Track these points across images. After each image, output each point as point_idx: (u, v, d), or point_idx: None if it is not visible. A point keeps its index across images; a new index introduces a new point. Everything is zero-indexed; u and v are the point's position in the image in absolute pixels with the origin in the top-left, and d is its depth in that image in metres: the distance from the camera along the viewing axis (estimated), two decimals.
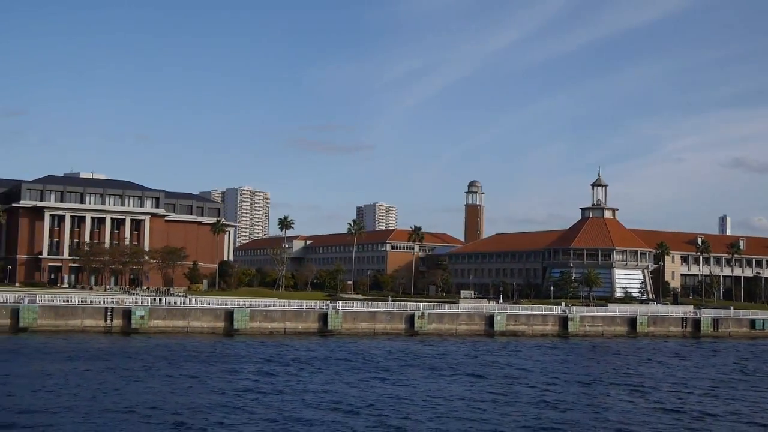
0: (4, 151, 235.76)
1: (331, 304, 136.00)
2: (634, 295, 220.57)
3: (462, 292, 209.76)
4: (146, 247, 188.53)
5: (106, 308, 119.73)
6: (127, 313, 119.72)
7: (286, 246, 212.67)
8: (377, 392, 68.02)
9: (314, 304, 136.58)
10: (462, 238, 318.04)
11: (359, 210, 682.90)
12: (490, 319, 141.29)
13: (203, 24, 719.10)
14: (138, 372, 76.23)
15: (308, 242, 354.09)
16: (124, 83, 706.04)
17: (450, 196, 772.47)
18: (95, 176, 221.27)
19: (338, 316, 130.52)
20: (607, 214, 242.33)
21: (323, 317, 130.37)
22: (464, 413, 58.42)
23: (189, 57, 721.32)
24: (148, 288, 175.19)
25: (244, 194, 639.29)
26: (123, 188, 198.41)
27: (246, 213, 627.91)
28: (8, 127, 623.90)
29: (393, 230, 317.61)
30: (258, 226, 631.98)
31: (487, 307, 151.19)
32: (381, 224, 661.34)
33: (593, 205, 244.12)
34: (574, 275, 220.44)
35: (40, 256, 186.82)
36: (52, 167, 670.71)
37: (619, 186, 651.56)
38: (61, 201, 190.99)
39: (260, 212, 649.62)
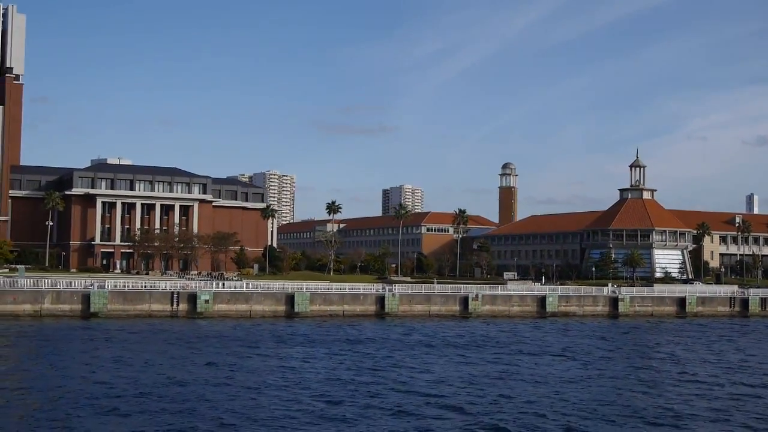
0: (30, 138, 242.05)
1: (387, 287, 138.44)
2: (674, 275, 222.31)
3: (505, 273, 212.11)
4: (195, 233, 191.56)
5: (172, 293, 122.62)
6: (192, 298, 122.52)
7: (334, 230, 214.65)
8: (519, 372, 70.99)
9: (371, 287, 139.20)
10: (493, 219, 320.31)
11: (385, 192, 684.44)
12: (542, 301, 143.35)
13: (225, 7, 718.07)
14: (263, 353, 79.26)
15: (342, 225, 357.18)
16: (146, 68, 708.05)
17: (476, 178, 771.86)
18: (123, 161, 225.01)
19: (395, 299, 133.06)
20: (646, 195, 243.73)
21: (380, 300, 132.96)
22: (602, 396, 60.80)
23: (210, 40, 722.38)
24: (199, 273, 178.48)
25: (272, 178, 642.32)
26: (171, 175, 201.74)
27: (274, 197, 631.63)
28: (32, 114, 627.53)
29: (428, 213, 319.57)
30: (286, 210, 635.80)
31: (539, 288, 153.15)
32: (408, 206, 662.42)
33: (631, 186, 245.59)
34: (613, 256, 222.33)
35: (92, 243, 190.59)
36: (78, 153, 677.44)
37: (647, 163, 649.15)
38: (112, 188, 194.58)
39: (287, 196, 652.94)
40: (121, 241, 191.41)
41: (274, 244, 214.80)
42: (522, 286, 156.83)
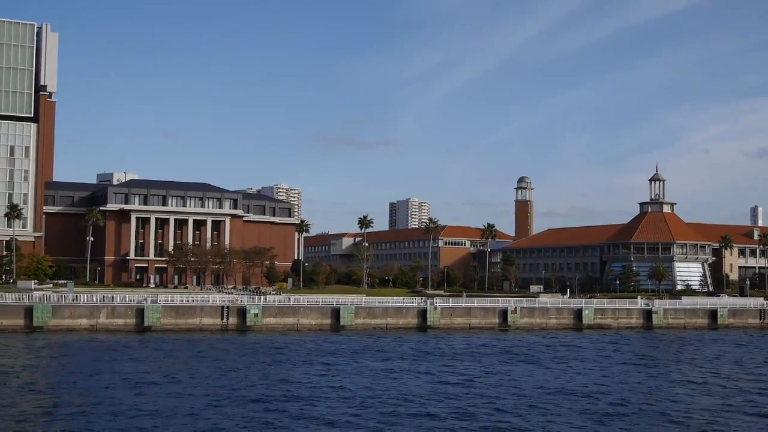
0: None
1: (429, 301, 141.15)
2: (695, 288, 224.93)
3: (531, 287, 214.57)
4: (227, 248, 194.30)
5: (222, 307, 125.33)
6: (241, 312, 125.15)
7: (365, 244, 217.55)
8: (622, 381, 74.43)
9: (413, 301, 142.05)
10: (506, 232, 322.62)
11: (392, 206, 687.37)
12: (578, 313, 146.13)
13: (225, 21, 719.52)
14: (339, 365, 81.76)
15: (357, 239, 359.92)
16: (148, 81, 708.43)
17: (478, 191, 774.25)
18: (130, 176, 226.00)
19: (436, 312, 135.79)
20: (666, 209, 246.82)
21: (422, 313, 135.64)
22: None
23: (212, 55, 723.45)
24: (234, 287, 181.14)
25: (280, 192, 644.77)
26: (203, 190, 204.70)
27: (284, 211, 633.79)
28: None
29: (445, 227, 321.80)
30: None
31: (575, 301, 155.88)
32: (414, 220, 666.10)
33: (651, 199, 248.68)
34: (635, 269, 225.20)
35: (127, 258, 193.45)
36: (84, 168, 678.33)
37: (645, 177, 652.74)
38: (145, 204, 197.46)
39: (295, 209, 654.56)
40: (154, 256, 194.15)
41: (301, 258, 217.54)
42: (557, 299, 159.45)
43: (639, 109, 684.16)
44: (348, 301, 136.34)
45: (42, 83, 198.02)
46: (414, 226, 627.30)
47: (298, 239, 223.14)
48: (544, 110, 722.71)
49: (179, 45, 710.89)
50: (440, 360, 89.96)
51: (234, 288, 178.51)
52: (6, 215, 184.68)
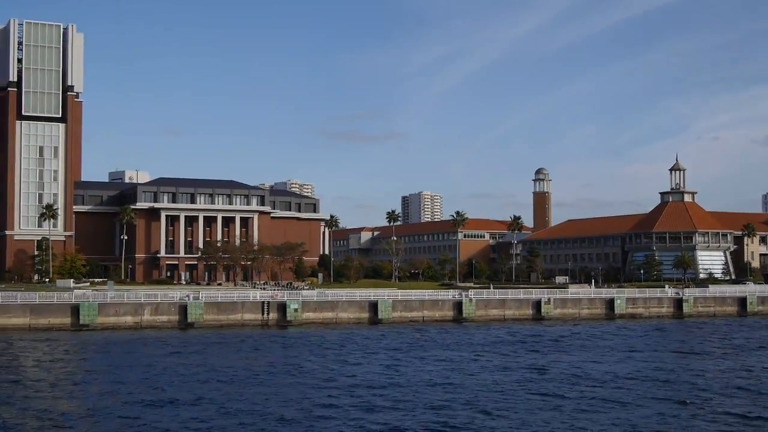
0: None
1: (464, 293, 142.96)
2: (717, 276, 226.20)
3: (557, 278, 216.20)
4: (256, 244, 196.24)
5: (263, 303, 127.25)
6: (281, 307, 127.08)
7: (394, 238, 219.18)
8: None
9: (448, 294, 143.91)
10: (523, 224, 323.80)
11: (404, 199, 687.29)
12: (610, 303, 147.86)
13: (225, 15, 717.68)
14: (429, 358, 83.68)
15: (375, 233, 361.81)
16: (151, 78, 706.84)
17: (483, 182, 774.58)
18: (141, 174, 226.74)
19: (472, 304, 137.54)
20: (687, 198, 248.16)
21: (458, 305, 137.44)
22: None
23: (213, 50, 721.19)
24: (266, 283, 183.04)
25: (293, 187, 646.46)
26: (230, 188, 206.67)
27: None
28: None
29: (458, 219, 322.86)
30: None
31: (606, 291, 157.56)
32: (426, 213, 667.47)
33: (672, 189, 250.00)
34: (657, 258, 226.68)
35: (158, 255, 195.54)
36: (95, 167, 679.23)
37: (655, 166, 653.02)
38: (173, 202, 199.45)
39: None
40: (185, 253, 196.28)
41: (328, 253, 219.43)
42: (589, 290, 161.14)
43: (645, 99, 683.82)
44: (385, 294, 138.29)
45: (69, 83, 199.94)
46: (427, 219, 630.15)
47: (323, 234, 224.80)
48: (548, 101, 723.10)
49: (177, 41, 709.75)
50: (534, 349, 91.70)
51: (266, 284, 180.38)
52: (41, 215, 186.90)
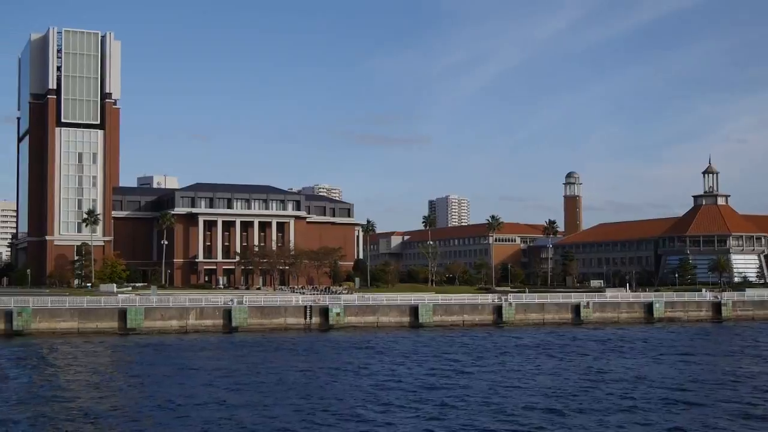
0: None
1: (503, 297, 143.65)
2: (752, 279, 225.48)
3: (592, 281, 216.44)
4: (292, 248, 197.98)
5: (305, 307, 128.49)
6: (324, 311, 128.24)
7: (431, 243, 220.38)
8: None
9: (487, 298, 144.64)
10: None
11: (431, 203, 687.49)
12: (648, 307, 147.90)
13: (251, 18, 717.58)
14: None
15: (406, 238, 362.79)
16: (176, 83, 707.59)
17: (510, 185, 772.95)
18: (170, 179, 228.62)
19: (511, 308, 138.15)
20: (720, 201, 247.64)
21: (497, 309, 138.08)
22: None
23: (237, 53, 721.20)
24: (303, 287, 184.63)
25: (320, 191, 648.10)
26: (267, 192, 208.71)
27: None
28: None
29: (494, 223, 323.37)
30: None
31: (644, 295, 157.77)
32: (454, 217, 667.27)
33: (705, 192, 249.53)
34: (691, 261, 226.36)
35: (195, 260, 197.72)
36: (120, 171, 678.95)
37: (681, 169, 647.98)
38: (210, 207, 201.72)
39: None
40: (222, 258, 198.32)
41: (362, 257, 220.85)
42: (628, 294, 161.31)
43: (671, 101, 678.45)
44: (425, 299, 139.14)
45: (107, 90, 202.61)
46: (454, 223, 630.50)
47: (358, 238, 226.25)
48: (573, 103, 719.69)
49: (203, 45, 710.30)
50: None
51: (303, 288, 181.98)
52: (84, 221, 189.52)
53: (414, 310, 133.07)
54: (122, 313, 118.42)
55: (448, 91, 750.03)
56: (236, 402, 59.07)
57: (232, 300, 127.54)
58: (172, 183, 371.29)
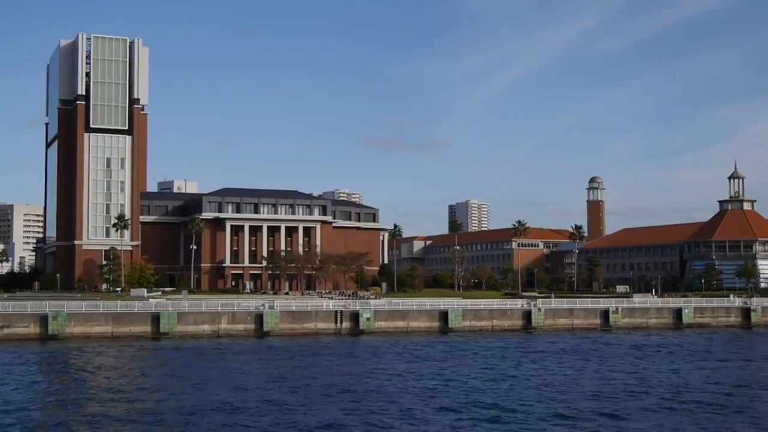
0: None
1: (532, 303, 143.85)
2: None
3: (618, 287, 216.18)
4: (318, 253, 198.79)
5: (336, 312, 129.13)
6: (354, 316, 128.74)
7: (457, 248, 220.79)
8: None
9: (516, 303, 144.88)
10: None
11: (451, 208, 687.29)
12: (677, 313, 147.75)
13: (268, 24, 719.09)
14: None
15: (428, 243, 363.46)
16: (196, 88, 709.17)
17: (529, 190, 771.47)
18: (190, 184, 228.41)
19: (540, 314, 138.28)
20: (746, 206, 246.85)
21: (526, 315, 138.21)
22: None
23: (258, 59, 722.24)
24: (330, 292, 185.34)
25: (341, 197, 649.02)
26: (293, 198, 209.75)
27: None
28: None
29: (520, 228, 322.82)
30: None
31: (673, 301, 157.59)
32: (474, 222, 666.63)
33: (731, 197, 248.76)
34: (717, 267, 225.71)
35: (223, 265, 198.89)
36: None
37: (702, 173, 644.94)
38: (237, 212, 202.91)
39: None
40: (249, 263, 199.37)
41: (387, 262, 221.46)
42: (657, 300, 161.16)
43: (690, 105, 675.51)
44: (455, 304, 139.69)
45: (135, 96, 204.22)
46: (474, 228, 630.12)
47: (382, 243, 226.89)
48: (592, 108, 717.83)
49: (222, 51, 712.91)
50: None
51: (330, 293, 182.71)
52: (114, 225, 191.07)
53: (444, 315, 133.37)
54: (155, 318, 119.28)
55: (467, 96, 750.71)
56: (293, 404, 60.11)
57: (263, 305, 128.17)
58: (192, 188, 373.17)
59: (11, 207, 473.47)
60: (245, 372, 79.05)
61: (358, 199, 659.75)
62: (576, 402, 61.28)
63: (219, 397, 63.15)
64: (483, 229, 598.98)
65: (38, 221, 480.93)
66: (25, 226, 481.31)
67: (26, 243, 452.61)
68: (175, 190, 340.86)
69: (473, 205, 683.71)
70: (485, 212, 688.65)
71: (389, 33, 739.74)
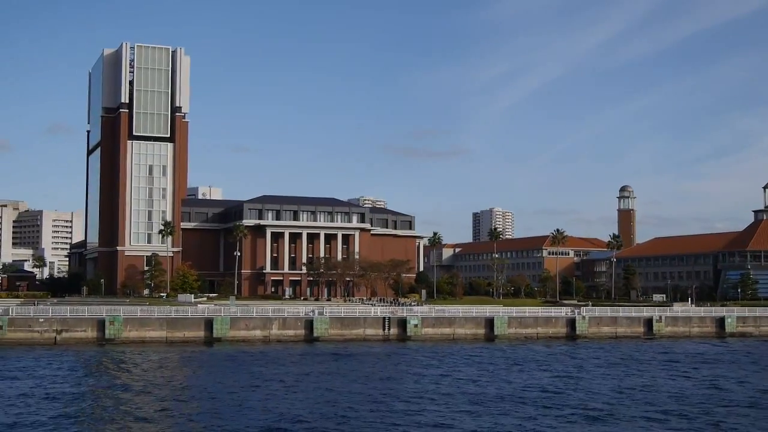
0: None
1: (577, 311, 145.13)
2: None
3: (654, 296, 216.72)
4: (357, 260, 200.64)
5: (384, 318, 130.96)
6: (402, 323, 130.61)
7: (496, 255, 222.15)
8: None
9: (561, 311, 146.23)
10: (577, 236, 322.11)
11: (475, 216, 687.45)
12: (720, 322, 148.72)
13: (289, 32, 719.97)
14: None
15: (457, 250, 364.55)
16: (216, 94, 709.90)
17: (551, 198, 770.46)
18: (214, 190, 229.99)
19: (585, 321, 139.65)
20: None
21: (571, 323, 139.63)
22: None
23: (278, 66, 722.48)
24: (369, 298, 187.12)
25: (365, 204, 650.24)
26: (332, 205, 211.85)
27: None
28: None
29: (547, 236, 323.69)
30: None
31: (715, 310, 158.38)
32: (498, 230, 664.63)
33: (766, 206, 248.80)
34: (752, 276, 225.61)
35: (263, 271, 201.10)
36: None
37: (723, 183, 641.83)
38: (277, 219, 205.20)
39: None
40: (288, 269, 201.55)
41: (423, 269, 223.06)
42: (698, 309, 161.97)
43: (710, 115, 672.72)
44: (500, 311, 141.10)
45: (177, 104, 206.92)
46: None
47: (418, 250, 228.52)
48: (612, 117, 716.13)
49: (241, 57, 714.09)
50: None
51: (370, 299, 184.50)
52: (161, 232, 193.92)
53: (489, 323, 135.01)
54: (208, 323, 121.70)
55: (487, 105, 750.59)
56: (391, 402, 63.31)
57: (313, 311, 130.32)
58: (216, 194, 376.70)
59: (40, 213, 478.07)
60: (321, 373, 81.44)
61: (382, 206, 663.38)
62: (656, 405, 63.31)
63: (315, 398, 66.10)
64: (507, 237, 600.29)
65: (66, 227, 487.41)
66: (54, 231, 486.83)
67: (54, 248, 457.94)
68: (200, 197, 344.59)
69: (497, 213, 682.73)
70: (509, 220, 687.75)
71: (411, 42, 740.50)
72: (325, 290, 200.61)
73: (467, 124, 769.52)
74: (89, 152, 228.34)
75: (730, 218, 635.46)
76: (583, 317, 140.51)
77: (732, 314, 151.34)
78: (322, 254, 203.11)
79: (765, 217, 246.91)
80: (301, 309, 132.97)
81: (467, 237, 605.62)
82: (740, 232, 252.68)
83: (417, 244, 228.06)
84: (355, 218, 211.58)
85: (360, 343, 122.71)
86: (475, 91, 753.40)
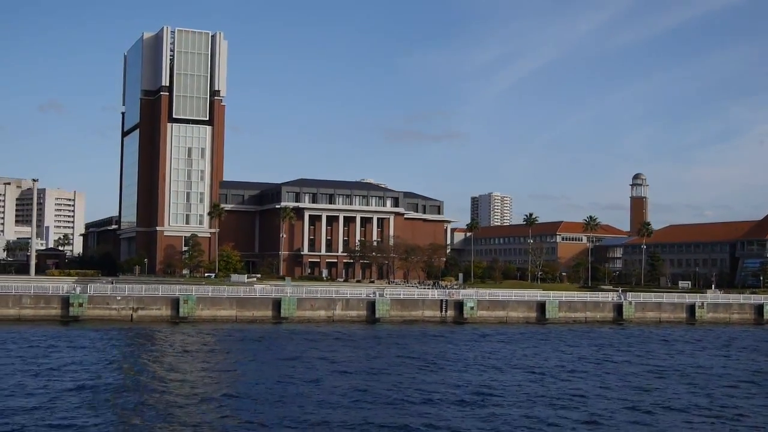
0: None
1: (623, 296, 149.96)
2: None
3: (680, 282, 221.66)
4: (391, 243, 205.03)
5: (441, 300, 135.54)
6: (458, 305, 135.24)
7: (531, 241, 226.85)
8: None
9: (608, 296, 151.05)
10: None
11: (474, 200, 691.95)
12: (759, 309, 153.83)
13: (285, 17, 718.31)
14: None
15: (468, 234, 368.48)
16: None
17: (546, 183, 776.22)
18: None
19: (631, 306, 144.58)
20: None
21: (617, 307, 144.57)
22: None
23: (273, 51, 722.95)
24: (407, 281, 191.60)
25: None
26: (367, 189, 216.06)
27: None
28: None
29: (561, 222, 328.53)
30: None
31: (754, 297, 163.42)
32: (496, 214, 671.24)
33: None
34: None
35: (300, 252, 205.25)
36: None
37: (717, 170, 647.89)
38: (314, 202, 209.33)
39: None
40: (325, 251, 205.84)
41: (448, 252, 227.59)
42: (738, 296, 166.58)
43: (703, 102, 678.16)
44: (551, 296, 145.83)
45: (216, 88, 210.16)
46: (496, 220, 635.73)
47: (446, 234, 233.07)
48: (606, 103, 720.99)
49: (235, 42, 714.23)
50: None
51: (406, 281, 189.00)
52: (210, 214, 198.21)
53: (541, 306, 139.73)
54: (276, 303, 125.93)
55: (483, 88, 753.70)
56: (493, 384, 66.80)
57: (373, 292, 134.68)
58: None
59: (44, 191, 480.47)
60: (422, 354, 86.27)
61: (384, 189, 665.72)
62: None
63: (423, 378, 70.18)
64: (505, 222, 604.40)
65: (69, 205, 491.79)
66: (56, 210, 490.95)
67: (57, 226, 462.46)
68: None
69: (496, 198, 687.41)
70: (507, 204, 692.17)
71: (406, 25, 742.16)
72: (360, 272, 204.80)
73: (463, 108, 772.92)
74: (124, 134, 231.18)
75: (726, 206, 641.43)
76: (630, 303, 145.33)
77: None
78: (357, 237, 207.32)
79: None
80: (362, 291, 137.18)
81: (465, 220, 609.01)
82: (760, 221, 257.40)
83: (445, 228, 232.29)
84: (389, 202, 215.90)
85: (418, 325, 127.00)
86: (471, 74, 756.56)
